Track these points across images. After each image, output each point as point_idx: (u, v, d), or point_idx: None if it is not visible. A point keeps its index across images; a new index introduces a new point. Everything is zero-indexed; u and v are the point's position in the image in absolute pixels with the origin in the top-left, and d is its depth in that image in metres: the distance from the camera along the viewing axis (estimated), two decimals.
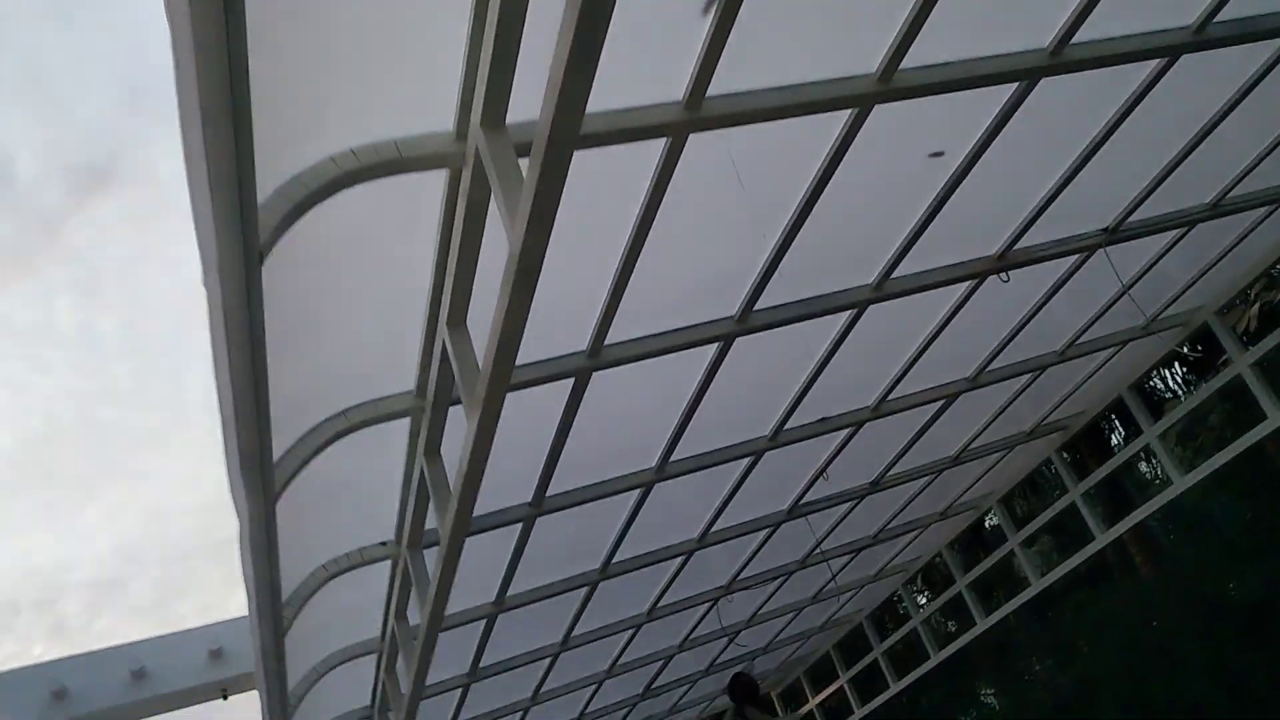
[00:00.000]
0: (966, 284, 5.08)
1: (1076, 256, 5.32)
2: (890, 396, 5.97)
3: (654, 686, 10.09)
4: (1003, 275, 5.01)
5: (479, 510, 5.11)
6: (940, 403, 6.33)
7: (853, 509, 7.60)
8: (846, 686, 11.48)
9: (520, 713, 8.76)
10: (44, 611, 52.57)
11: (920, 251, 4.57)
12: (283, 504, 3.82)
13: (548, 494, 5.16)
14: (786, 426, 5.71)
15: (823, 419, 5.86)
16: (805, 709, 12.17)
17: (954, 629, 12.59)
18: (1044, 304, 5.72)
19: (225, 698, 10.29)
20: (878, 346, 5.47)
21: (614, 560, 6.47)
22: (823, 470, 6.59)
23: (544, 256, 2.58)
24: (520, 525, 5.37)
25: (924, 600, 12.58)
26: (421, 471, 4.18)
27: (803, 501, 7.01)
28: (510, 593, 6.19)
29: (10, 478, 56.34)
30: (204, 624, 10.62)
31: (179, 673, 10.59)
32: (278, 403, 3.18)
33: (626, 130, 3.03)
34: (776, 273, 4.21)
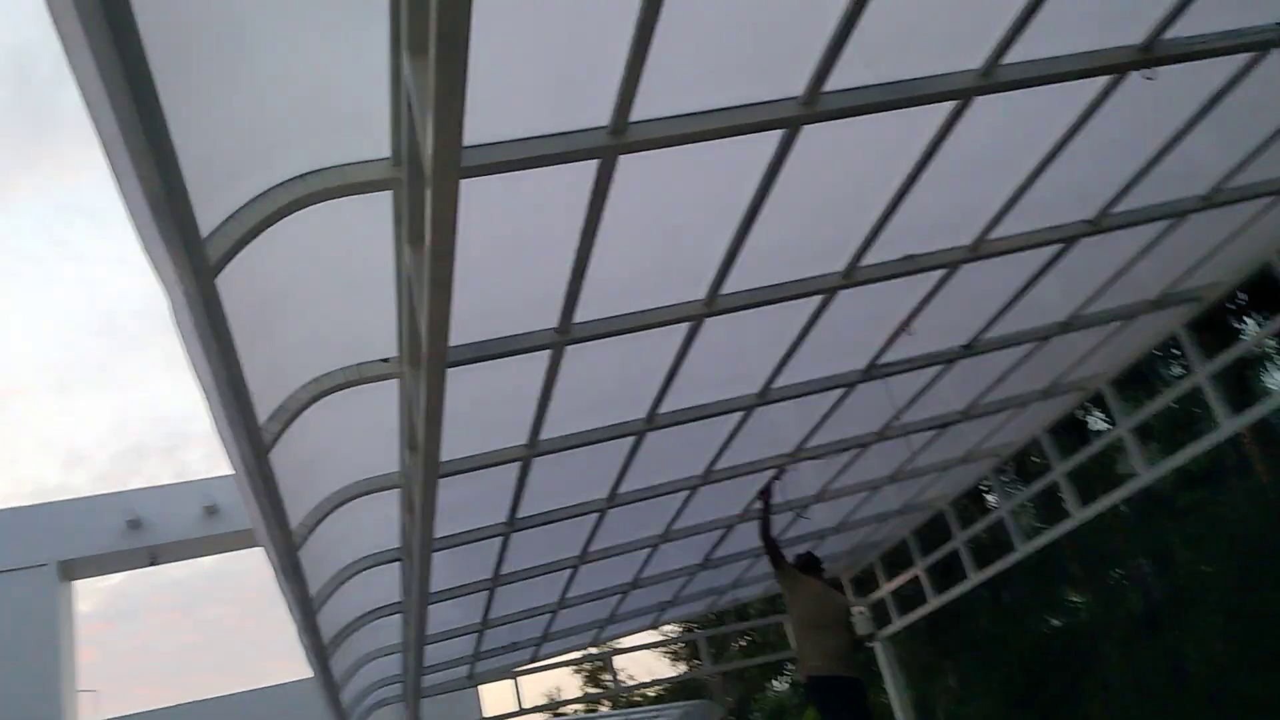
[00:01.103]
0: (1101, 82, 4.08)
1: (1247, 56, 4.24)
2: (992, 235, 5.04)
3: (713, 557, 9.55)
4: (1148, 73, 3.98)
5: (495, 333, 4.47)
6: (1054, 248, 5.37)
7: (940, 375, 6.73)
8: (922, 575, 10.78)
9: (569, 569, 8.33)
10: (168, 457, 55.51)
11: (1043, 29, 3.61)
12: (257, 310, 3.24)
13: (575, 320, 4.46)
14: (863, 263, 4.85)
15: (908, 256, 4.98)
16: (877, 595, 11.53)
17: (1044, 526, 11.75)
18: (1191, 126, 4.67)
19: None
20: (982, 164, 4.54)
21: (660, 410, 5.78)
22: (907, 323, 5.73)
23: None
24: (548, 356, 4.68)
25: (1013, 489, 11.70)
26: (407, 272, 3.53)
27: (881, 361, 6.17)
28: (544, 436, 5.58)
29: (140, 329, 58.95)
30: None
31: None
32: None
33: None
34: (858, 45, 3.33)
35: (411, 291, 3.69)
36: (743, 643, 28.34)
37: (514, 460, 5.70)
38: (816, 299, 5.09)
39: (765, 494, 7.21)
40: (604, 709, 36.59)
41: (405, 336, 4.12)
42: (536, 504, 6.69)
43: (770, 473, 7.45)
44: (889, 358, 6.15)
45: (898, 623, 11.36)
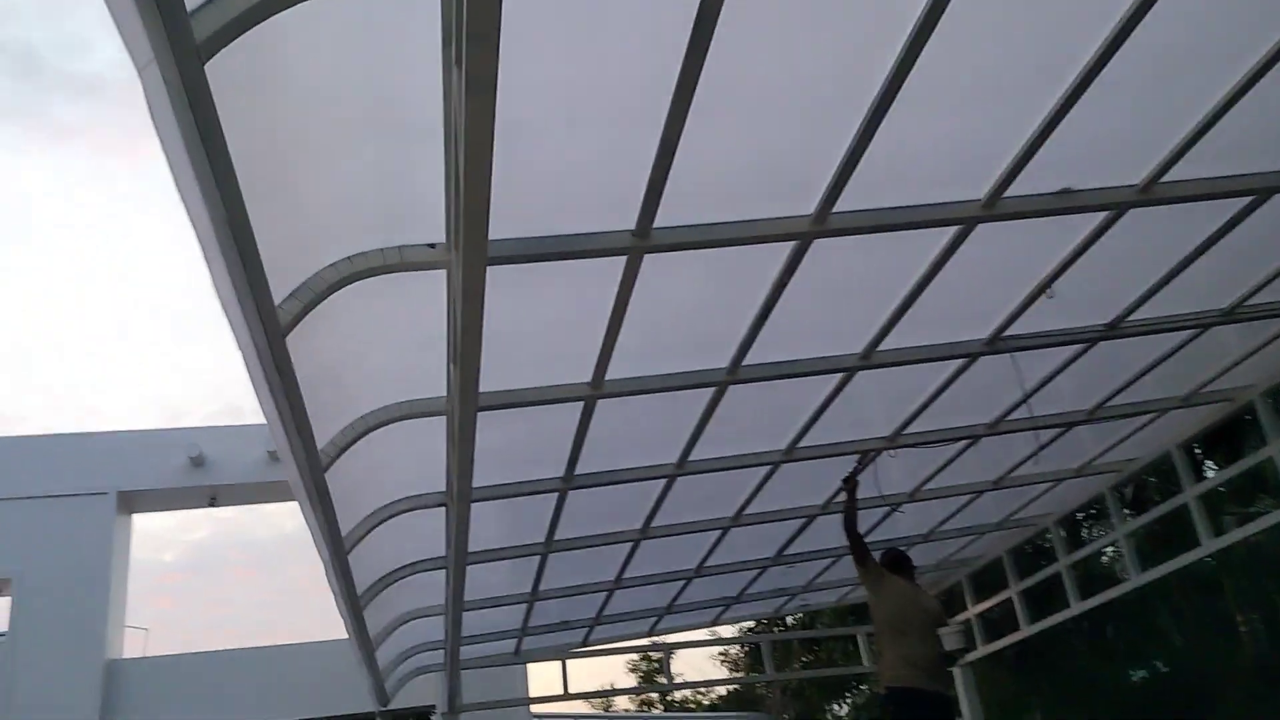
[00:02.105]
0: None
1: None
2: (1166, 177, 4.17)
3: (786, 553, 8.73)
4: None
5: (559, 227, 3.78)
6: (1246, 200, 4.46)
7: (1070, 363, 5.84)
8: (1016, 598, 9.78)
9: (629, 544, 7.62)
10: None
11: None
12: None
13: (655, 225, 3.74)
14: (1007, 193, 4.03)
15: (1064, 190, 4.14)
16: (962, 615, 10.55)
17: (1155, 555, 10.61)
18: None
19: None
20: (1160, 90, 3.69)
21: (745, 361, 5.02)
22: (1048, 284, 4.86)
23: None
24: (622, 265, 3.96)
25: (1129, 514, 10.56)
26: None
27: (1007, 333, 5.30)
28: (609, 376, 4.87)
29: None
30: None
31: None
32: None
33: None
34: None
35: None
36: (806, 658, 27.25)
37: (574, 399, 5.00)
38: (952, 231, 4.26)
39: (852, 481, 6.40)
40: (656, 711, 35.93)
41: (453, 217, 3.45)
42: (597, 460, 5.99)
43: (862, 457, 6.64)
44: (1019, 329, 5.28)
45: (983, 649, 10.37)
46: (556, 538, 7.15)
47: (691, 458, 6.17)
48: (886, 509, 7.78)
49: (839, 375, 5.40)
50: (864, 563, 6.18)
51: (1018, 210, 4.11)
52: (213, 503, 13.54)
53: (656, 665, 43.79)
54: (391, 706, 11.79)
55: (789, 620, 23.89)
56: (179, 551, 41.02)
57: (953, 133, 3.84)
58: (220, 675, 12.33)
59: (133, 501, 13.31)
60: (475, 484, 5.79)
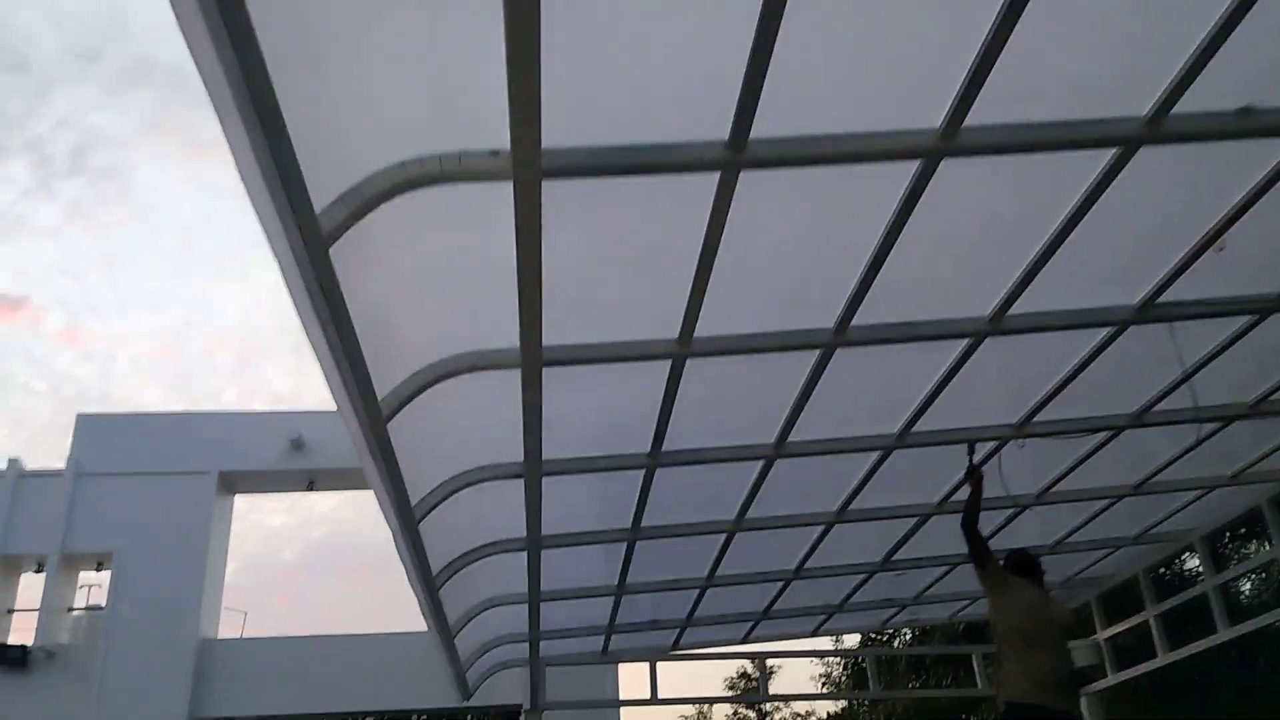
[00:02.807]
0: None
1: None
2: None
3: (896, 557, 8.03)
4: None
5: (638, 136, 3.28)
6: None
7: (1245, 333, 5.02)
8: (1154, 622, 8.83)
9: (723, 535, 7.07)
10: None
11: None
12: None
13: (750, 136, 3.21)
14: (1175, 110, 3.37)
15: (1245, 109, 3.45)
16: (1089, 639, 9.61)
17: None
18: None
19: None
20: None
21: (852, 322, 4.43)
22: (1216, 236, 4.14)
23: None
24: (714, 190, 3.46)
25: None
26: None
27: (1161, 299, 4.58)
28: (699, 335, 4.35)
29: None
30: None
31: None
32: None
33: None
34: None
35: None
36: (914, 682, 26.05)
37: (658, 358, 4.50)
38: (1102, 161, 3.62)
39: (976, 472, 5.73)
40: None
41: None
42: (685, 437, 5.47)
43: (985, 448, 5.96)
44: (1175, 294, 4.55)
45: (1113, 677, 9.41)
46: (644, 524, 6.65)
47: (790, 438, 5.60)
48: (1011, 510, 7.04)
49: (963, 343, 4.76)
50: (985, 564, 5.49)
51: (1186, 130, 3.44)
52: (311, 486, 13.52)
53: (754, 685, 42.92)
54: (479, 703, 11.49)
55: (897, 642, 22.83)
56: (298, 550, 42.12)
57: (1107, 41, 3.22)
58: (310, 660, 12.23)
59: (233, 482, 13.38)
60: (554, 455, 5.38)
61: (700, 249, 3.72)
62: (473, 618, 7.66)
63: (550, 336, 4.03)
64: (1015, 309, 4.49)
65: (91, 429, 12.96)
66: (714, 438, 5.63)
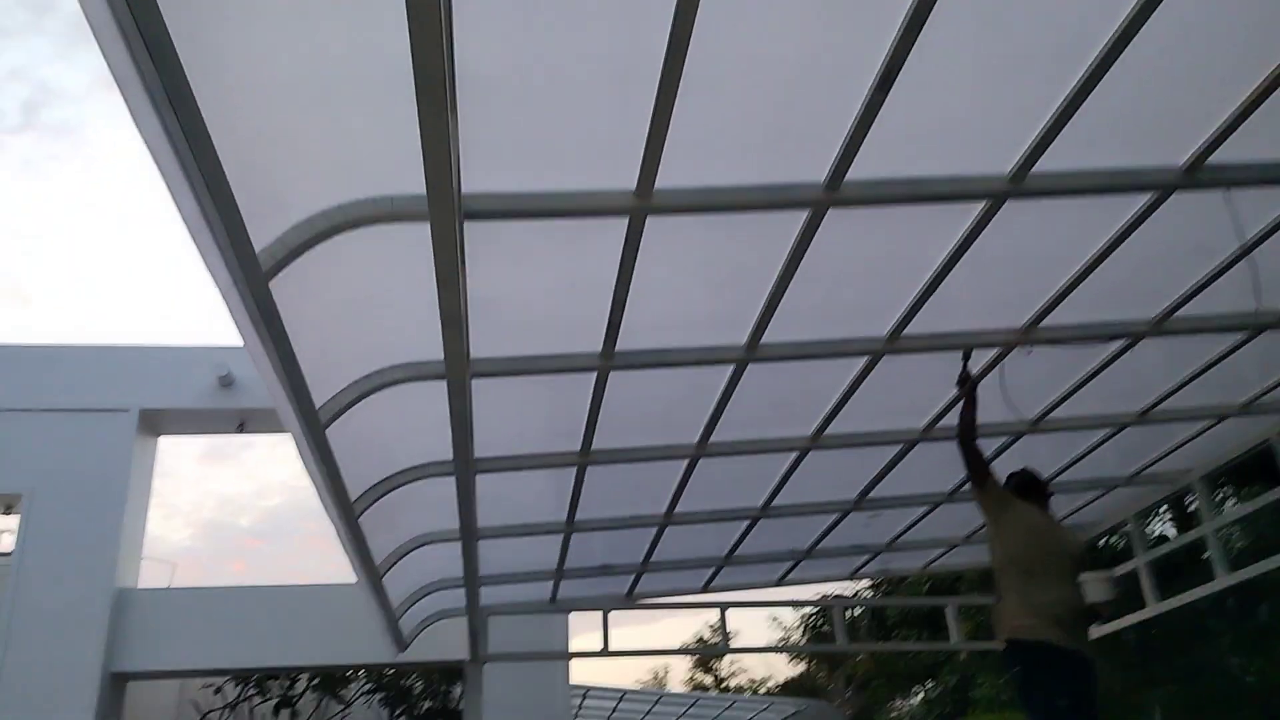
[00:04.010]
0: None
1: None
2: None
3: (872, 495, 7.32)
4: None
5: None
6: None
7: None
8: (1144, 571, 8.22)
9: (684, 461, 6.31)
10: None
11: None
12: None
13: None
14: None
15: None
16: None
17: None
18: None
19: None
20: None
21: (847, 176, 3.64)
22: None
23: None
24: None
25: None
26: None
27: (1212, 160, 3.84)
28: (661, 185, 3.55)
29: None
30: None
31: None
32: None
33: None
34: None
35: None
36: (861, 659, 25.64)
37: (615, 213, 3.69)
38: None
39: (970, 384, 5.01)
40: (710, 692, 34.62)
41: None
42: (644, 337, 4.68)
43: (986, 355, 5.24)
44: (1229, 154, 3.81)
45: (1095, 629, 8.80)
46: (595, 447, 5.87)
47: (764, 340, 4.82)
48: (1003, 440, 6.35)
49: (976, 209, 3.99)
50: (984, 484, 4.79)
51: None
52: (241, 428, 12.55)
53: (712, 650, 42.55)
54: (419, 658, 10.70)
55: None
56: (254, 517, 41.12)
57: None
58: (238, 612, 11.32)
59: (156, 422, 12.36)
60: (483, 354, 4.58)
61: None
62: (403, 556, 6.85)
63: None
64: (1041, 166, 3.73)
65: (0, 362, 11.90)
66: (678, 337, 4.84)
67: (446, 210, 2.84)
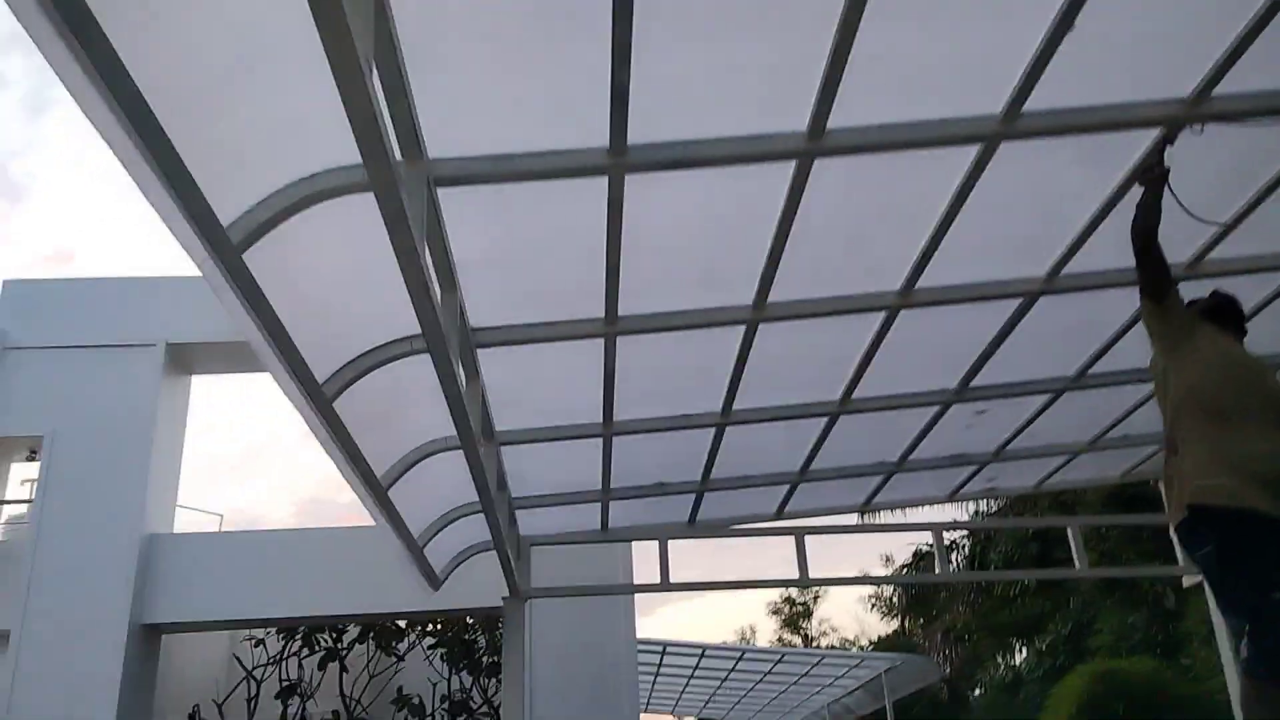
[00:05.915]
0: None
1: None
2: None
3: (976, 382, 5.95)
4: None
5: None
6: None
7: None
8: None
9: (741, 327, 5.05)
10: None
11: None
12: None
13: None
14: None
15: None
16: None
17: None
18: None
19: None
20: None
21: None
22: None
23: None
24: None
25: None
26: None
27: None
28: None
29: None
30: None
31: None
32: None
33: None
34: None
35: None
36: (960, 611, 24.03)
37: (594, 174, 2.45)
38: None
39: (1154, 169, 3.65)
40: (795, 643, 33.32)
41: None
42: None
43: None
44: None
45: None
46: (622, 313, 4.64)
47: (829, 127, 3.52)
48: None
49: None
50: (1162, 297, 3.43)
51: None
52: None
53: (801, 608, 41.19)
54: (462, 605, 9.69)
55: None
56: (353, 494, 41.33)
57: None
58: (271, 559, 10.48)
59: (186, 358, 11.55)
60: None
61: None
62: (410, 466, 5.72)
63: None
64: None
65: (19, 297, 11.18)
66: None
67: (387, 179, 2.55)
